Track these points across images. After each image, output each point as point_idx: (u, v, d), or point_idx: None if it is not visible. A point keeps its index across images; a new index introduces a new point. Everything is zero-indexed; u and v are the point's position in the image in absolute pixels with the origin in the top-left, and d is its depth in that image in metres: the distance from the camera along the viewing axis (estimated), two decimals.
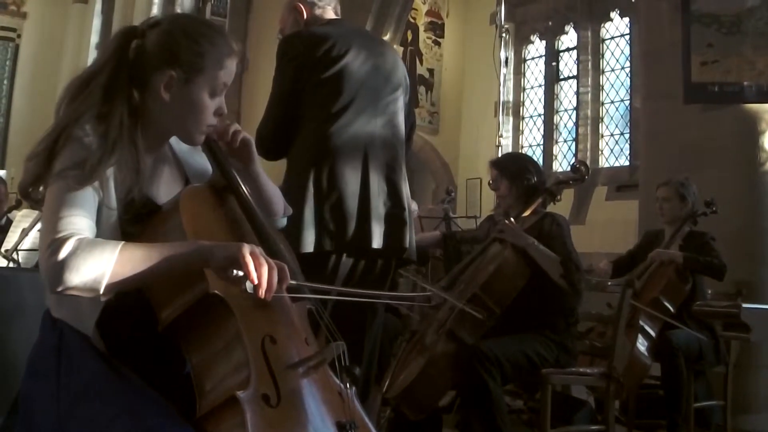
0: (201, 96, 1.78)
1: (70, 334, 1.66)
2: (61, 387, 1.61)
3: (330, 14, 3.24)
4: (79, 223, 1.57)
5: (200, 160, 1.94)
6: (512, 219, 3.83)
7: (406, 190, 3.18)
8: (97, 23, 14.63)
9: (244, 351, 1.57)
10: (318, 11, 3.22)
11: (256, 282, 1.52)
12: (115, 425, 1.52)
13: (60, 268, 1.49)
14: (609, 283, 5.36)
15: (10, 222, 5.41)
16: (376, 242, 2.99)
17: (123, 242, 1.57)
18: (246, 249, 1.54)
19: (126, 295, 1.61)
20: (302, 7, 3.21)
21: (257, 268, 1.53)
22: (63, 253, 1.50)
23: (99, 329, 1.65)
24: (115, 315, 1.63)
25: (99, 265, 1.51)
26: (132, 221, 1.70)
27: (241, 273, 1.52)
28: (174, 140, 1.92)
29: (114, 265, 1.52)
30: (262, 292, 1.54)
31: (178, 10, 12.18)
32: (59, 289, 1.50)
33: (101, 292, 1.51)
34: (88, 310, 1.63)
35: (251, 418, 1.47)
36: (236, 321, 1.58)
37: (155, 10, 12.78)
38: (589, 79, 11.95)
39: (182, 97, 1.76)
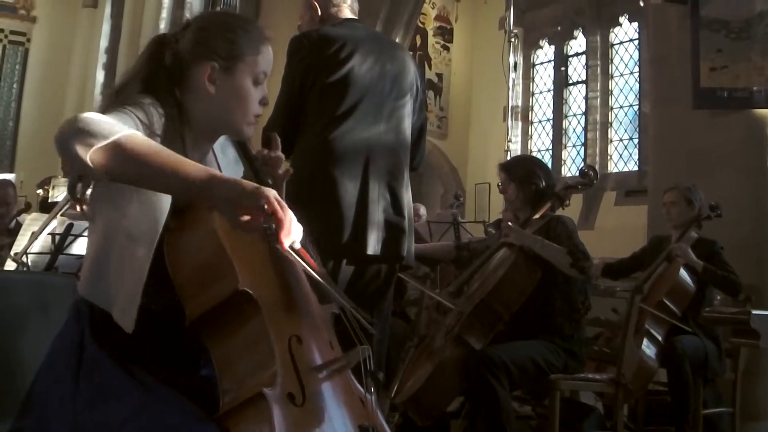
0: (245, 84, 1.81)
1: (93, 332, 1.66)
2: (79, 385, 1.61)
3: (346, 13, 3.24)
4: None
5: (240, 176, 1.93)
6: (512, 222, 3.85)
7: (407, 197, 3.17)
8: (106, 28, 14.68)
9: (271, 349, 1.56)
10: (333, 9, 3.22)
11: (283, 223, 1.46)
12: (132, 424, 1.52)
13: (75, 120, 1.50)
14: (617, 289, 5.36)
15: (19, 225, 5.42)
16: (372, 249, 2.98)
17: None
18: (269, 190, 1.47)
19: (148, 299, 1.62)
20: (317, 4, 3.22)
21: (283, 210, 1.47)
22: (86, 114, 1.51)
23: (118, 330, 1.64)
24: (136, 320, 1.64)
25: (107, 128, 1.49)
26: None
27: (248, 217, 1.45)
28: (219, 152, 1.93)
29: (121, 135, 1.49)
30: (285, 233, 1.47)
31: (187, 14, 12.20)
32: (62, 140, 1.49)
33: (90, 152, 1.46)
34: (125, 294, 1.63)
35: (277, 416, 1.47)
36: (264, 319, 1.58)
37: (164, 14, 12.82)
38: (598, 84, 11.93)
39: (227, 87, 1.79)
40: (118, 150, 1.49)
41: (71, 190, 1.70)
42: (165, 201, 1.65)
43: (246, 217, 1.46)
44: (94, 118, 1.51)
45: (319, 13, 3.21)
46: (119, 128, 1.51)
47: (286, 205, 1.49)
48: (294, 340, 1.63)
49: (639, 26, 11.40)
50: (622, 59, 11.89)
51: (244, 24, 1.86)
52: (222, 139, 1.93)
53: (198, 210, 1.66)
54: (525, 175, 3.91)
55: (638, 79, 11.44)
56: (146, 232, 1.63)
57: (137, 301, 1.61)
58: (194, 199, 1.54)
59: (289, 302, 1.70)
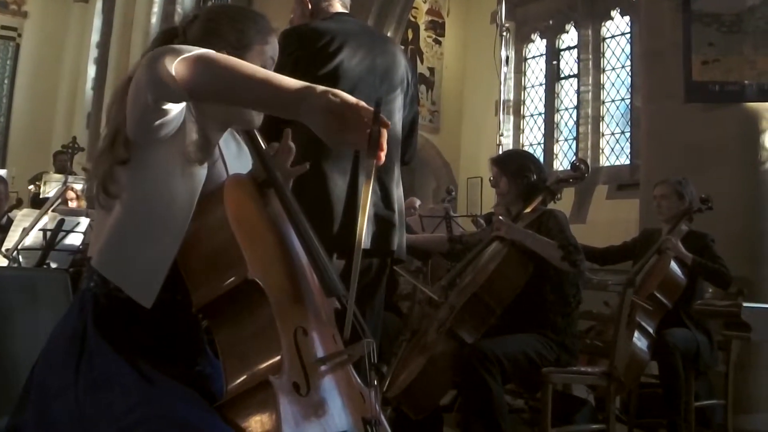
0: None
1: (96, 322, 1.66)
2: (80, 372, 1.61)
3: (337, 7, 3.22)
4: None
5: (243, 169, 1.95)
6: (501, 216, 3.85)
7: (397, 191, 3.16)
8: (97, 22, 14.66)
9: (277, 339, 1.58)
10: (324, 4, 3.21)
11: (383, 136, 1.47)
12: (136, 412, 1.52)
13: (161, 47, 1.57)
14: (609, 282, 5.37)
15: (10, 221, 5.41)
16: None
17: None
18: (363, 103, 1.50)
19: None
20: None
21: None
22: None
23: (121, 323, 1.65)
24: (133, 312, 1.64)
25: (191, 48, 1.57)
26: None
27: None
28: (223, 145, 1.92)
29: (206, 50, 1.56)
30: (383, 147, 1.48)
31: (179, 9, 12.19)
32: (150, 61, 1.54)
33: (175, 64, 1.51)
34: (145, 270, 1.64)
35: (283, 404, 1.48)
36: (271, 309, 1.59)
37: (156, 9, 12.79)
38: (590, 78, 11.92)
39: None
40: (204, 61, 1.54)
41: (105, 175, 1.69)
42: (195, 188, 1.68)
43: (340, 125, 1.48)
44: (166, 46, 1.58)
45: (310, 7, 3.20)
46: (202, 48, 1.58)
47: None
48: (300, 332, 1.65)
49: (631, 20, 11.40)
50: (614, 53, 11.89)
51: (251, 15, 1.91)
52: (225, 133, 1.94)
53: (209, 199, 1.68)
54: (517, 169, 3.91)
55: (630, 73, 11.43)
56: (175, 218, 1.65)
57: (160, 279, 1.63)
58: (284, 109, 1.53)
59: (296, 294, 1.72)
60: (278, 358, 1.56)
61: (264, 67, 1.83)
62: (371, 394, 1.74)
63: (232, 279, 1.58)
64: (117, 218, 1.69)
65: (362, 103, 1.50)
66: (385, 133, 1.47)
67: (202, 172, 1.71)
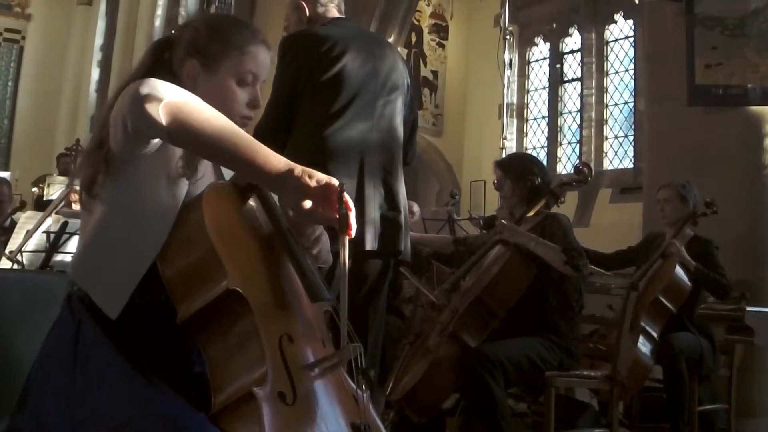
0: (226, 83, 1.81)
1: (88, 324, 1.66)
2: (75, 376, 1.61)
3: (333, 12, 3.25)
4: None
5: None
6: (507, 219, 3.85)
7: (402, 192, 3.17)
8: (101, 25, 14.65)
9: (261, 348, 1.56)
10: (321, 9, 3.23)
11: (351, 213, 1.60)
12: (124, 413, 1.52)
13: (140, 82, 1.56)
14: (613, 286, 5.36)
15: (14, 223, 5.41)
16: (369, 244, 2.99)
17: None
18: (334, 180, 1.58)
19: (140, 295, 1.63)
20: (305, 5, 3.22)
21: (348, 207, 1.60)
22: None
23: (111, 325, 1.64)
24: (128, 313, 1.64)
25: (172, 89, 1.57)
26: None
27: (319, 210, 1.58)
28: None
29: (190, 97, 1.57)
30: (353, 223, 1.60)
31: (182, 12, 12.19)
32: (132, 99, 1.54)
33: (161, 107, 1.51)
34: (114, 279, 1.64)
35: (267, 415, 1.46)
36: (254, 318, 1.57)
37: (159, 12, 12.78)
38: (593, 82, 11.93)
39: (208, 86, 1.78)
40: (190, 116, 1.54)
41: (89, 181, 1.69)
42: (177, 200, 1.67)
43: (311, 205, 1.56)
44: (158, 81, 1.58)
45: (307, 13, 3.22)
46: (185, 91, 1.59)
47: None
48: (285, 339, 1.62)
49: (634, 23, 11.41)
50: (617, 56, 11.89)
51: (235, 24, 1.87)
52: None
53: (188, 209, 1.67)
54: (521, 172, 3.91)
55: (633, 77, 11.44)
56: (154, 229, 1.64)
57: (128, 290, 1.63)
58: (263, 182, 1.63)
59: (280, 301, 1.69)
60: (263, 368, 1.54)
61: (240, 80, 1.82)
62: (363, 398, 1.71)
63: (213, 290, 1.56)
64: (94, 226, 1.69)
65: (333, 181, 1.57)
66: (350, 214, 1.60)
67: (185, 185, 1.69)
